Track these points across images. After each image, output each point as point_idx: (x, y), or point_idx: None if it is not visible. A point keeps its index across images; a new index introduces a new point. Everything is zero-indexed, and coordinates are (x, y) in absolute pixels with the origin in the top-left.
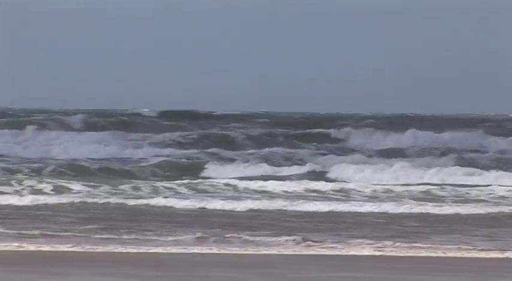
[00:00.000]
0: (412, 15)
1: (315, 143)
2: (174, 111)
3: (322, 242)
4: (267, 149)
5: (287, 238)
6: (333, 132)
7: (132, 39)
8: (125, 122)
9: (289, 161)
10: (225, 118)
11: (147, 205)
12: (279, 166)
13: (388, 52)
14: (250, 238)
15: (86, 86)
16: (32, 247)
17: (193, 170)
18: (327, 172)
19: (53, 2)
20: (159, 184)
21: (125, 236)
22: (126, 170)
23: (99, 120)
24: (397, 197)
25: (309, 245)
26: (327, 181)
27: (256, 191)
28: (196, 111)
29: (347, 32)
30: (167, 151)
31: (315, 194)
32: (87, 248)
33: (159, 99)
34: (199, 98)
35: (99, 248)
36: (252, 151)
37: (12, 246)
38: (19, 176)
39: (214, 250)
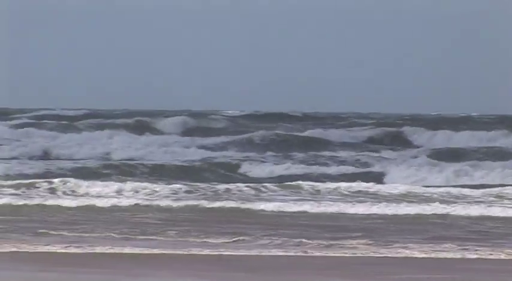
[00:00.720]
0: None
1: (404, 145)
2: (265, 113)
3: (403, 244)
4: (356, 151)
5: (371, 240)
6: (418, 132)
7: (221, 39)
8: (215, 123)
9: (377, 162)
10: (315, 118)
11: (232, 206)
12: (367, 167)
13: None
14: (332, 242)
15: (170, 87)
16: (113, 250)
17: (277, 171)
18: (411, 175)
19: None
20: (245, 185)
21: (205, 239)
22: (211, 172)
23: (191, 121)
24: (480, 199)
25: (390, 247)
26: (408, 184)
27: (341, 193)
28: (285, 113)
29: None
30: (258, 153)
31: (399, 197)
32: (168, 250)
33: (252, 100)
34: (290, 100)
35: (181, 250)
36: (340, 152)
37: (100, 248)
38: (105, 178)
39: (299, 253)
